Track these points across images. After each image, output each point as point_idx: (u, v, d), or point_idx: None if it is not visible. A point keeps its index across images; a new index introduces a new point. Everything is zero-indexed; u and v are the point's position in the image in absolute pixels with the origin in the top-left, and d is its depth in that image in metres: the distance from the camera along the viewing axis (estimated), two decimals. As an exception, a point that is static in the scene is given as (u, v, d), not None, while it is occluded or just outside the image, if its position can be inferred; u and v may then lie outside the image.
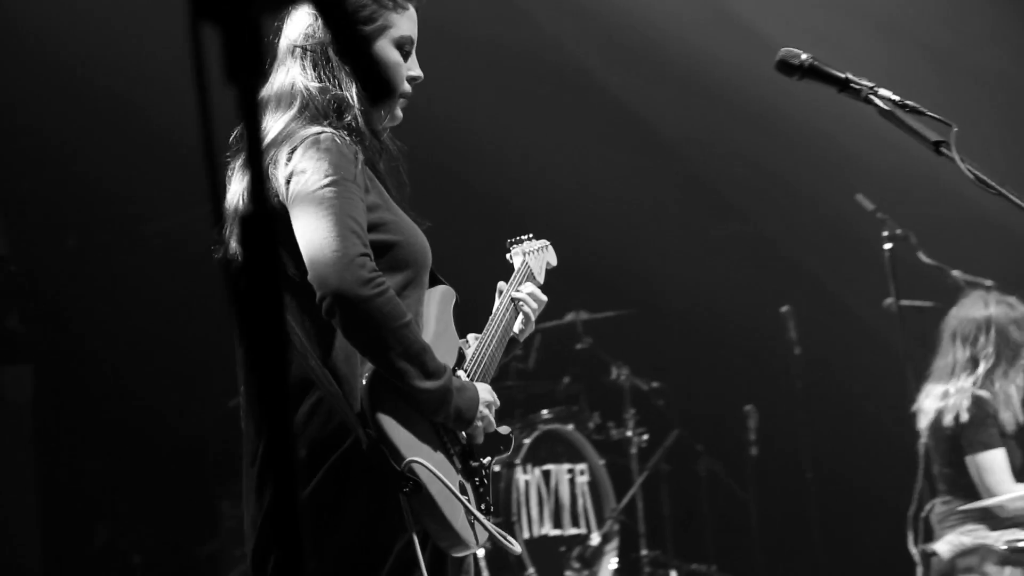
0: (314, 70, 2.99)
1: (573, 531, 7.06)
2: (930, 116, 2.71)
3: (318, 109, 2.94)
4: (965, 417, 5.52)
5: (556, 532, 6.97)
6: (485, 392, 2.99)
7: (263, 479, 2.85)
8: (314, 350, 2.82)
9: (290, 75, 3.00)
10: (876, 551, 8.11)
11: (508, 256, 3.54)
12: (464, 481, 2.94)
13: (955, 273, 6.27)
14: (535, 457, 6.92)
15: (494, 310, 3.27)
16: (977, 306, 5.76)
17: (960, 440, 5.54)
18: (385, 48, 3.03)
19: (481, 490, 2.99)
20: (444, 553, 2.87)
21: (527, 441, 6.88)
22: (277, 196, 2.82)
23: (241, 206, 2.92)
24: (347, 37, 1.08)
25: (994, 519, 5.49)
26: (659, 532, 7.63)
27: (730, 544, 8.25)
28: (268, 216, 1.16)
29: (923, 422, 5.75)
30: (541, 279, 3.48)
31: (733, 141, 8.28)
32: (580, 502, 7.14)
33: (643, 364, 7.68)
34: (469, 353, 3.12)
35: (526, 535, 6.77)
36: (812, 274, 8.53)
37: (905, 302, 6.40)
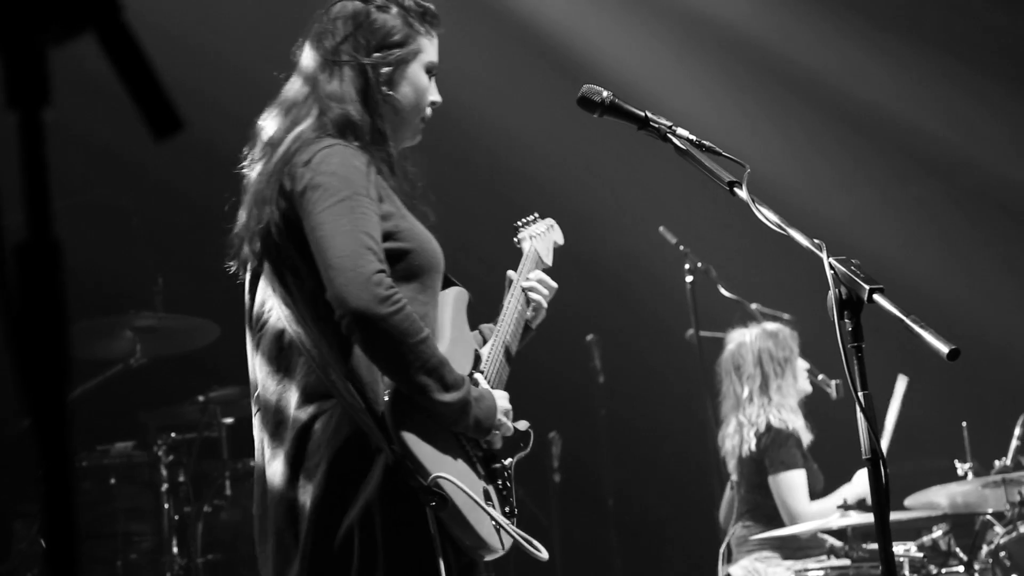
0: (337, 84, 3.02)
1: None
2: (725, 156, 2.78)
3: (333, 122, 2.97)
4: (765, 440, 5.69)
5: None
6: (503, 400, 3.02)
7: (296, 507, 2.86)
8: (335, 362, 2.84)
9: (310, 86, 3.04)
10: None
11: (516, 240, 3.54)
12: (487, 486, 2.97)
13: (753, 306, 6.46)
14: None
15: (505, 302, 3.29)
16: (735, 340, 5.99)
17: (764, 461, 5.69)
18: (417, 72, 3.12)
19: (504, 492, 3.02)
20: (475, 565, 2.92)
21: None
22: (292, 206, 2.87)
23: (256, 231, 2.95)
24: (133, 65, 1.06)
25: (788, 547, 5.65)
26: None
27: (531, 570, 8.30)
28: (52, 245, 1.13)
29: (730, 462, 5.90)
30: (549, 261, 3.50)
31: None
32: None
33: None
34: (484, 351, 3.13)
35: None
36: (617, 304, 8.65)
37: (705, 333, 6.55)
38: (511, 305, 3.28)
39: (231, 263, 3.08)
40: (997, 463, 5.54)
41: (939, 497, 5.51)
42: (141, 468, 6.62)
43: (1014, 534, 5.32)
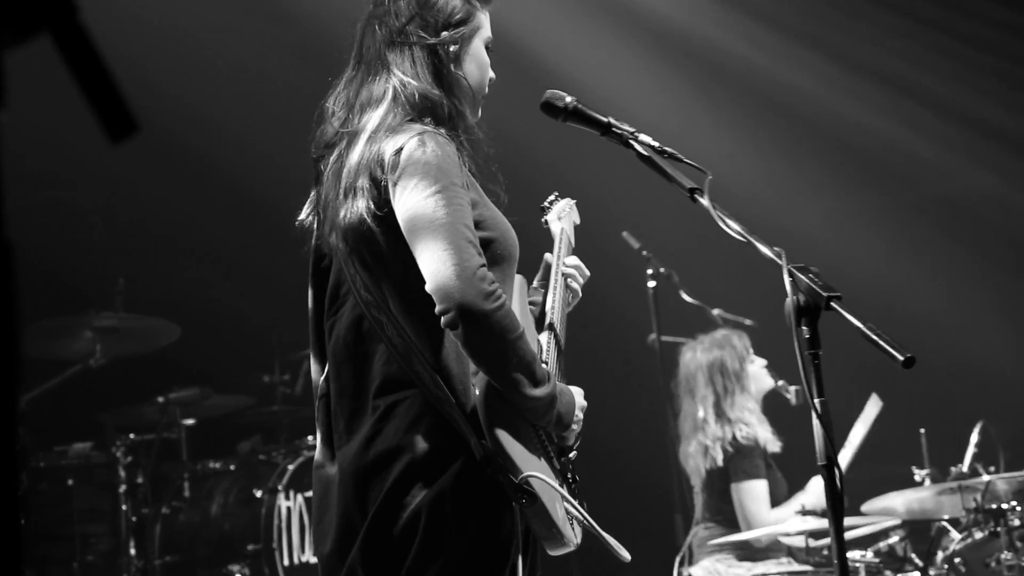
0: (410, 66, 2.97)
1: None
2: (687, 163, 2.78)
3: (412, 105, 2.91)
4: (731, 453, 5.71)
5: (316, 560, 6.86)
6: (579, 396, 3.00)
7: (366, 484, 2.82)
8: (422, 350, 2.79)
9: (379, 68, 2.97)
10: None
11: (543, 221, 3.51)
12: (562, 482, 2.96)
13: (715, 312, 6.50)
14: (299, 484, 6.78)
15: (550, 290, 3.24)
16: (687, 359, 6.01)
17: (727, 469, 5.72)
18: (479, 48, 3.10)
19: (574, 487, 3.01)
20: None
21: (291, 467, 6.75)
22: (383, 196, 2.80)
23: (341, 217, 2.87)
24: (88, 67, 1.06)
25: (748, 550, 5.68)
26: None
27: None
28: (3, 247, 1.13)
29: (694, 479, 5.92)
30: (573, 242, 3.45)
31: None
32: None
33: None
34: (543, 340, 3.09)
35: (287, 562, 6.65)
36: (579, 308, 8.65)
37: (667, 338, 6.57)
38: (557, 294, 3.24)
39: (307, 249, 3.04)
40: (954, 470, 5.58)
41: (896, 503, 5.54)
42: (99, 469, 6.58)
43: (969, 540, 5.36)
